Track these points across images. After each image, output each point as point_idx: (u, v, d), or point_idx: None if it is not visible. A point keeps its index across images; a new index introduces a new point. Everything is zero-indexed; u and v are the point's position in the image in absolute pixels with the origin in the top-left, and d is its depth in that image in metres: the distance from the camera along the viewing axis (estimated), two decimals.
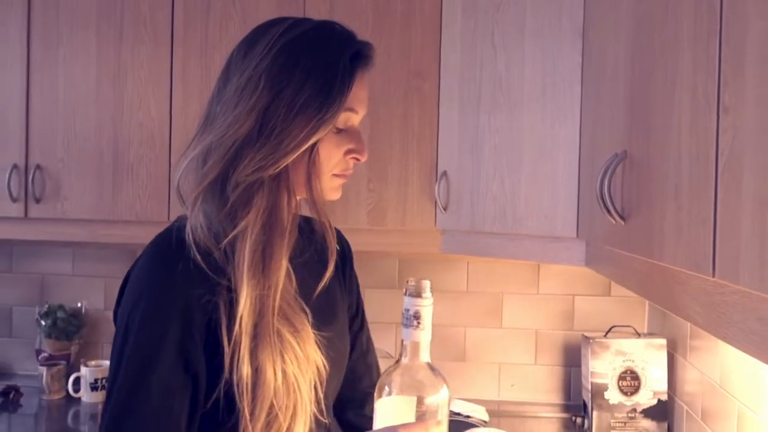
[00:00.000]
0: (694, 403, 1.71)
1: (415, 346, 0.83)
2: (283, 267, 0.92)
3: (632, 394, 1.85)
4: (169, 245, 0.91)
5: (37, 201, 2.01)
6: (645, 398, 1.85)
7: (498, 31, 1.72)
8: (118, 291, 0.96)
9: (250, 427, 0.86)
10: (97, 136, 2.01)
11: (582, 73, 1.56)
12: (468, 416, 2.00)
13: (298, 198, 0.99)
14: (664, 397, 1.85)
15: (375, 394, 0.86)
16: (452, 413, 2.02)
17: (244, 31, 2.07)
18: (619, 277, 1.22)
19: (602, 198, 1.09)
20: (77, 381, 2.15)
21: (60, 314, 2.26)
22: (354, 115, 0.98)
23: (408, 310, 0.82)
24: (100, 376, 2.15)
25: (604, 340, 1.89)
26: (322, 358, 0.94)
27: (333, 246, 1.00)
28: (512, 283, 2.18)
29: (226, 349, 0.87)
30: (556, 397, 2.18)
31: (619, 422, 1.85)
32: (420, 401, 0.83)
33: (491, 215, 1.73)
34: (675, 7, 0.84)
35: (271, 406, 0.87)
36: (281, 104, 0.90)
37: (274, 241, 0.92)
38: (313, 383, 0.92)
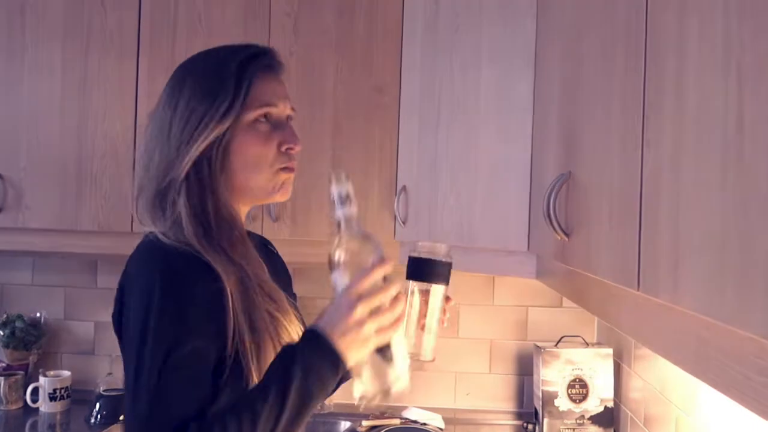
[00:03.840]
0: (637, 410, 1.80)
1: (350, 219, 0.99)
2: (246, 251, 1.03)
3: (581, 401, 1.94)
4: (160, 247, 0.98)
5: None
6: (593, 405, 1.93)
7: (456, 52, 1.80)
8: (116, 297, 1.01)
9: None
10: (61, 146, 2.02)
11: (533, 96, 1.64)
12: (425, 424, 2.06)
13: (241, 200, 1.08)
14: (611, 404, 1.94)
15: (329, 268, 1.01)
16: (409, 421, 2.08)
17: (210, 46, 2.12)
18: (564, 289, 1.30)
19: (548, 215, 1.17)
20: (35, 391, 2.15)
21: (19, 324, 2.25)
22: (273, 109, 1.06)
23: (340, 194, 0.99)
24: (59, 386, 2.15)
25: (554, 349, 1.97)
26: (301, 327, 1.07)
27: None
28: (468, 295, 2.25)
29: (229, 328, 0.95)
30: (509, 405, 2.26)
31: (568, 428, 1.93)
32: (365, 261, 0.98)
33: (448, 229, 1.80)
34: (612, 45, 0.92)
35: None
36: (176, 118, 1.02)
37: (221, 233, 1.01)
38: None
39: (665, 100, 0.70)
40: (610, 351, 1.96)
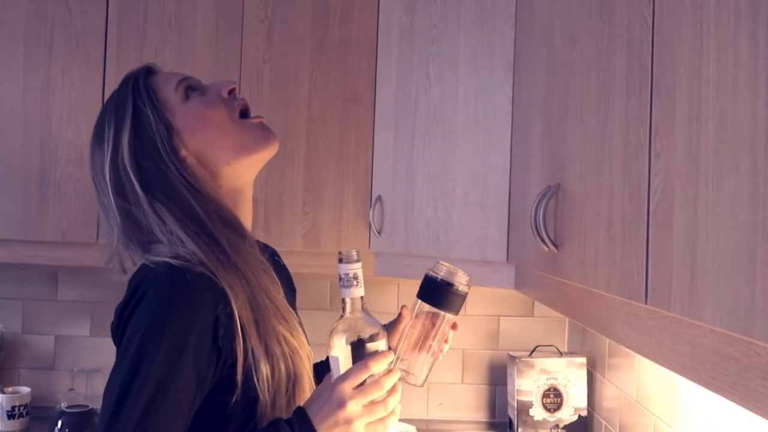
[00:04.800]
0: (612, 418, 1.81)
1: (356, 300, 0.99)
2: (258, 264, 0.98)
3: (555, 410, 1.95)
4: (169, 271, 0.91)
5: None
6: (567, 414, 1.95)
7: (432, 62, 1.79)
8: (116, 312, 0.95)
9: (268, 414, 0.94)
10: (23, 153, 1.94)
11: (513, 105, 1.65)
12: None
13: (224, 185, 1.03)
14: (585, 413, 1.95)
15: (328, 348, 0.99)
16: None
17: (180, 55, 2.08)
18: (550, 301, 1.30)
19: (536, 227, 1.17)
20: None
21: None
22: (190, 80, 1.05)
23: (347, 274, 0.98)
24: (17, 403, 2.06)
25: (529, 359, 1.98)
26: (309, 349, 1.04)
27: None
28: None
29: (239, 353, 0.91)
30: (482, 415, 2.26)
31: None
32: (363, 344, 0.97)
33: (424, 239, 1.79)
34: (608, 57, 0.93)
35: (285, 392, 0.96)
36: (108, 154, 0.99)
37: (221, 238, 0.96)
38: (309, 370, 1.02)
39: (677, 113, 0.70)
40: (584, 360, 1.98)
